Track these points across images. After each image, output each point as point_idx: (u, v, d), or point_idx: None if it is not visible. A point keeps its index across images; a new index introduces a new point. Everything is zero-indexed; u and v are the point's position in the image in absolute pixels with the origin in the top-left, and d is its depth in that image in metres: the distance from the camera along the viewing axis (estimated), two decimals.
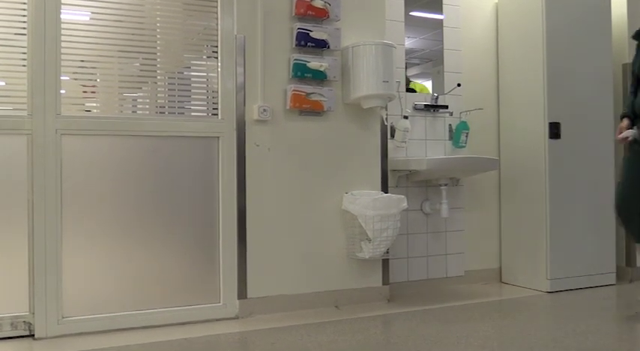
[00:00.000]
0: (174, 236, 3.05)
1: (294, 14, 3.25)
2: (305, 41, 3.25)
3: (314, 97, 3.25)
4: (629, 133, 3.13)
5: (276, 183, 3.23)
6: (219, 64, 3.13)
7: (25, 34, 2.76)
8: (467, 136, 3.89)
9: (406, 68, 3.84)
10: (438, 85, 3.95)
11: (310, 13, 3.25)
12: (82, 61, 2.88)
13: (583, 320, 3.03)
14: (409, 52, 3.86)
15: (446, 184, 3.75)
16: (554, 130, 3.75)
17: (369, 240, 3.23)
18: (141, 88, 3.01)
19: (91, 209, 2.88)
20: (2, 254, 2.75)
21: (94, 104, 2.95)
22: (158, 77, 3.05)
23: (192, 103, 3.13)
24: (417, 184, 3.84)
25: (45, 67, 2.77)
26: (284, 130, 3.25)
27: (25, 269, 2.77)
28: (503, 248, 4.10)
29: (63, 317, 2.80)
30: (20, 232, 2.76)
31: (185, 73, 3.11)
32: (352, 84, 3.31)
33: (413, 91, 3.89)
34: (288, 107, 3.23)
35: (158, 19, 3.04)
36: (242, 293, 3.13)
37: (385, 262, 3.50)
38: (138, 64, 3.00)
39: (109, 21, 2.92)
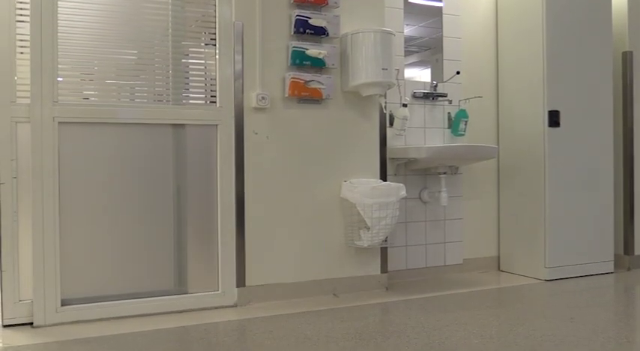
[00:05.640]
0: (172, 224, 3.05)
1: (292, 1, 3.22)
2: (304, 28, 3.23)
3: (313, 85, 3.23)
4: None
5: (275, 171, 3.22)
6: (217, 51, 3.12)
7: (24, 22, 2.74)
8: (466, 124, 3.88)
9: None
10: (437, 73, 3.94)
11: None
12: (80, 48, 2.86)
13: (581, 308, 3.04)
14: (408, 40, 3.84)
15: (445, 173, 3.75)
16: (554, 118, 3.74)
17: (368, 228, 3.23)
18: (139, 75, 2.99)
19: (89, 198, 2.87)
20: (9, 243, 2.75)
21: (92, 92, 2.93)
22: (156, 65, 3.03)
23: (191, 90, 3.11)
24: (416, 173, 3.83)
25: (42, 54, 2.75)
26: (282, 118, 3.24)
27: (29, 257, 2.77)
28: (501, 236, 4.11)
29: (61, 305, 2.80)
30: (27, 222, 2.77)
31: (183, 60, 3.09)
32: (351, 71, 3.29)
33: None
34: (286, 95, 3.21)
35: (156, 5, 3.02)
36: (240, 281, 3.14)
37: (384, 250, 3.50)
38: (136, 52, 2.98)
39: (107, 6, 2.90)
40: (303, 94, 3.22)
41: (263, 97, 3.15)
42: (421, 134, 3.86)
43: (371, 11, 3.47)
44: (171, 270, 3.06)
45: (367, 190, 3.20)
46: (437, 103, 3.91)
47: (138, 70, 2.99)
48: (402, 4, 3.80)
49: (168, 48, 3.05)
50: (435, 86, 3.88)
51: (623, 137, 4.17)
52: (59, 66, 2.81)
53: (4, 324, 2.74)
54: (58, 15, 2.79)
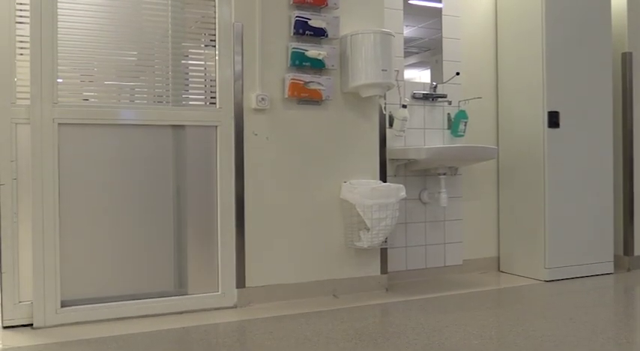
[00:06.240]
0: (172, 225, 3.05)
1: (292, 2, 3.23)
2: (303, 29, 3.23)
3: (312, 86, 3.23)
4: None
5: (275, 172, 3.22)
6: (216, 52, 3.12)
7: (24, 23, 2.75)
8: (465, 125, 3.88)
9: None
10: (437, 74, 3.94)
11: (309, 0, 3.23)
12: (80, 49, 2.86)
13: (580, 309, 3.04)
14: (408, 41, 3.85)
15: (444, 173, 3.75)
16: (553, 119, 3.74)
17: (368, 229, 3.23)
18: (139, 76, 2.99)
19: (89, 199, 2.87)
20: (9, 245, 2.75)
21: (92, 93, 2.93)
22: (156, 66, 3.03)
23: (190, 91, 3.11)
24: (416, 173, 3.83)
25: (42, 55, 2.75)
26: (282, 119, 3.24)
27: (29, 259, 2.77)
28: (501, 237, 4.11)
29: (61, 306, 2.80)
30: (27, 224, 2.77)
31: (183, 61, 3.09)
32: (351, 73, 3.30)
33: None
34: (286, 96, 3.21)
35: (156, 7, 3.02)
36: (240, 282, 3.14)
37: (383, 251, 3.50)
38: (136, 53, 2.98)
39: (107, 7, 2.90)
40: (302, 95, 3.22)
41: (263, 98, 3.15)
42: (421, 135, 3.86)
43: (370, 12, 3.47)
44: (171, 271, 3.06)
45: (367, 191, 3.20)
46: (436, 104, 3.91)
47: (138, 72, 2.99)
48: (401, 5, 3.80)
49: (168, 49, 3.05)
50: (435, 87, 3.88)
51: (623, 138, 4.17)
52: (59, 67, 2.81)
53: (4, 325, 2.74)
54: (58, 16, 2.80)
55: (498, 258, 4.14)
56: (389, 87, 3.35)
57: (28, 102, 2.76)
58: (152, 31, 3.02)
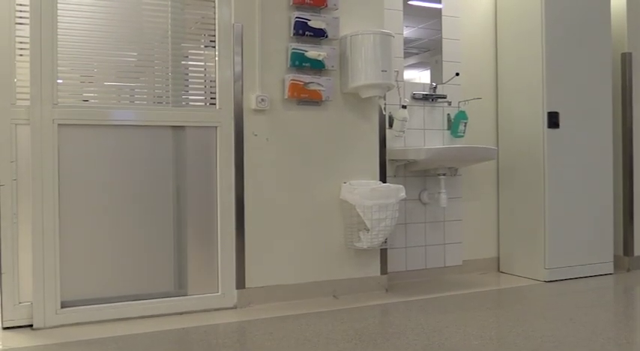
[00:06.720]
0: (172, 226, 3.05)
1: (292, 3, 3.23)
2: (303, 30, 3.23)
3: (312, 87, 3.24)
4: None
5: (274, 172, 3.23)
6: (216, 53, 3.12)
7: (24, 24, 2.75)
8: (465, 126, 3.88)
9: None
10: (437, 75, 3.94)
11: (308, 1, 3.23)
12: (80, 50, 2.86)
13: (580, 309, 3.04)
14: (407, 42, 3.85)
15: (444, 174, 3.75)
16: (553, 120, 3.74)
17: (368, 230, 3.23)
18: (138, 77, 3.00)
19: (89, 200, 2.87)
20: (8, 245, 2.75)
21: (92, 94, 2.93)
22: (156, 67, 3.03)
23: (190, 92, 3.11)
24: (415, 174, 3.83)
25: (42, 56, 2.75)
26: (282, 120, 3.24)
27: (29, 259, 2.77)
28: (501, 238, 4.11)
29: (61, 307, 2.80)
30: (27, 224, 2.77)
31: (183, 62, 3.09)
32: (350, 73, 3.30)
33: None
34: (286, 97, 3.22)
35: (156, 7, 3.02)
36: (240, 283, 3.14)
37: (383, 252, 3.50)
38: (136, 54, 2.98)
39: (107, 8, 2.91)
40: (302, 95, 3.23)
41: (262, 99, 3.15)
42: (420, 136, 3.87)
43: (370, 13, 3.47)
44: (171, 272, 3.06)
45: (367, 192, 3.20)
46: (436, 104, 3.92)
47: (137, 72, 2.99)
48: (401, 6, 3.80)
49: (168, 50, 3.05)
50: (435, 88, 3.89)
51: (623, 138, 4.17)
52: (59, 68, 2.81)
53: (4, 326, 2.74)
54: (58, 17, 2.80)
55: (498, 258, 4.14)
56: (389, 88, 3.35)
57: (28, 103, 2.76)
58: (152, 31, 3.02)
